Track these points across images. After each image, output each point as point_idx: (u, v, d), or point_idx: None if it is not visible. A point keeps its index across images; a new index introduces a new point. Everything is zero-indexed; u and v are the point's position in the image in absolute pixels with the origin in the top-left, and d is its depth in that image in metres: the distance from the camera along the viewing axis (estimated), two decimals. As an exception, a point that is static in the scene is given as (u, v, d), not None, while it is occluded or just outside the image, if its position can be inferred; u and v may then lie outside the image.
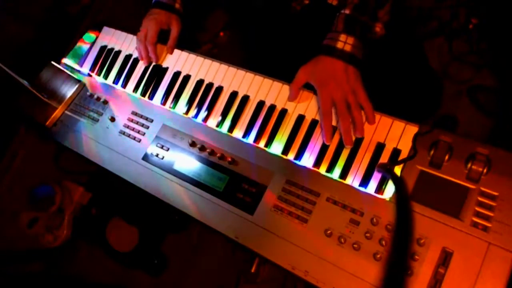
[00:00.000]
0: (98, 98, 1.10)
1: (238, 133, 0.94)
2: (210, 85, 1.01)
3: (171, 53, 1.08)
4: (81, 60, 1.21)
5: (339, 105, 0.82)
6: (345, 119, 0.82)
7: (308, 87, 0.92)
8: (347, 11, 0.87)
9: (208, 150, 0.92)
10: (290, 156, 0.87)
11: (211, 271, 1.33)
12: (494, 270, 0.65)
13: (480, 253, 0.66)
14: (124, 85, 1.12)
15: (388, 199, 0.76)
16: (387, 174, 0.74)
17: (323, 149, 0.85)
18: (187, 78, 1.04)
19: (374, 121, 0.83)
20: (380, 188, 0.77)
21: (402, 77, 1.05)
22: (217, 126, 0.96)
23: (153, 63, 1.10)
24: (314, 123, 0.88)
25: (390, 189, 0.77)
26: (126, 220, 1.32)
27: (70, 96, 1.14)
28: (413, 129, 0.80)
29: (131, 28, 1.20)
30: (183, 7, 1.14)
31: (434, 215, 0.72)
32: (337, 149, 0.84)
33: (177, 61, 1.08)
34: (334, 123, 0.86)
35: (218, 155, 0.91)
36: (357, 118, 0.82)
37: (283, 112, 0.91)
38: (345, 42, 0.85)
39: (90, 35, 1.24)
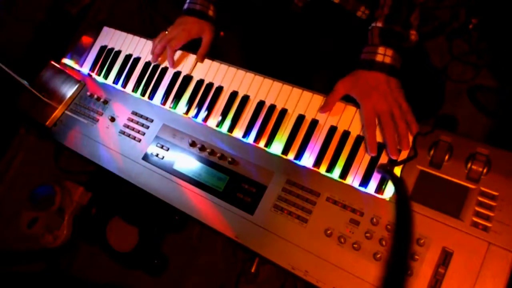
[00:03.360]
0: (98, 98, 1.10)
1: (238, 133, 0.94)
2: (210, 85, 1.01)
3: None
4: (81, 60, 1.21)
5: (384, 116, 0.80)
6: (390, 130, 0.79)
7: (309, 86, 0.93)
8: (379, 24, 0.86)
9: (208, 150, 0.92)
10: (290, 156, 0.87)
11: (211, 271, 1.33)
12: (494, 270, 0.65)
13: (480, 253, 0.66)
14: (124, 85, 1.12)
15: (388, 199, 0.76)
16: (387, 175, 0.74)
17: (323, 149, 0.85)
18: (187, 78, 1.04)
19: (415, 133, 0.79)
20: (380, 188, 0.77)
21: (404, 76, 1.06)
22: (217, 126, 0.96)
23: (153, 63, 1.10)
24: (314, 123, 0.88)
25: (390, 189, 0.77)
26: (126, 220, 1.32)
27: (70, 96, 1.14)
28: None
29: (131, 28, 1.20)
30: (216, 12, 1.10)
31: (434, 215, 0.72)
32: (337, 149, 0.84)
33: (177, 61, 1.08)
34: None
35: (218, 155, 0.91)
36: (403, 131, 0.79)
37: (283, 112, 0.91)
38: (384, 55, 0.83)
39: (84, 42, 1.23)
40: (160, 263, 1.33)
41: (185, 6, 1.09)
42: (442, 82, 1.30)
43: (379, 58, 0.84)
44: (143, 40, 1.15)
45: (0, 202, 1.22)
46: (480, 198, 0.70)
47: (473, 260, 0.66)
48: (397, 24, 0.85)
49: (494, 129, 1.21)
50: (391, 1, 0.87)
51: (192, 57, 1.06)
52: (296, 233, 0.78)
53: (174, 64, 1.06)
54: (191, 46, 1.06)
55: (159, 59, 1.08)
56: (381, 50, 0.84)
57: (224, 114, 0.96)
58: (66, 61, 1.23)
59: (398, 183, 0.69)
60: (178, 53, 1.08)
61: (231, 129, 0.94)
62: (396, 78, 0.83)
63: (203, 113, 0.99)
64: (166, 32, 1.07)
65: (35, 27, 1.28)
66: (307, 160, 0.85)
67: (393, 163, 0.78)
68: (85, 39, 1.24)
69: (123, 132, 1.03)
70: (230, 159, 0.89)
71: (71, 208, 1.32)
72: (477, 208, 0.70)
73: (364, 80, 0.84)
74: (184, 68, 1.06)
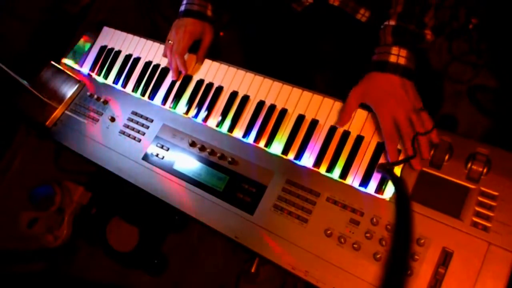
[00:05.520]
0: (98, 98, 1.10)
1: (238, 133, 0.94)
2: (210, 85, 1.01)
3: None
4: (81, 60, 1.21)
5: (403, 125, 0.75)
6: (410, 141, 0.75)
7: (309, 86, 0.93)
8: (392, 22, 0.81)
9: (208, 150, 0.92)
10: (290, 156, 0.87)
11: (211, 271, 1.33)
12: (494, 270, 0.65)
13: (480, 253, 0.66)
14: (124, 85, 1.12)
15: (388, 199, 0.76)
16: (387, 174, 0.74)
17: (323, 149, 0.85)
18: (187, 78, 1.04)
19: (437, 140, 0.76)
20: (380, 188, 0.77)
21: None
22: (217, 126, 0.96)
23: (153, 64, 1.10)
24: (314, 123, 0.88)
25: (390, 189, 0.77)
26: (126, 220, 1.32)
27: (70, 96, 1.14)
28: (413, 129, 0.80)
29: (131, 28, 1.20)
30: (214, 12, 1.08)
31: (434, 215, 0.72)
32: (337, 149, 0.84)
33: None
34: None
35: (218, 155, 0.91)
36: (423, 139, 0.75)
37: (283, 112, 0.91)
38: (398, 55, 0.78)
39: (84, 42, 1.23)
40: (160, 263, 1.33)
41: (182, 7, 1.06)
42: (440, 82, 1.30)
43: (392, 58, 0.78)
44: (143, 40, 1.15)
45: (0, 202, 1.22)
46: (480, 198, 0.70)
47: (473, 260, 0.66)
48: (411, 23, 0.80)
49: (494, 129, 1.21)
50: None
51: (192, 57, 1.06)
52: (296, 233, 0.78)
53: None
54: (191, 47, 1.06)
55: (182, 71, 1.04)
56: (394, 50, 0.78)
57: (224, 114, 0.96)
58: (66, 61, 1.23)
59: (398, 182, 0.69)
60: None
61: (231, 129, 0.94)
62: (411, 79, 0.78)
63: (203, 113, 0.99)
64: (170, 42, 1.04)
65: (35, 27, 1.27)
66: (307, 160, 0.85)
67: (392, 162, 0.78)
68: (85, 39, 1.24)
69: (123, 132, 1.03)
70: (230, 159, 0.89)
71: (71, 208, 1.32)
72: (477, 208, 0.70)
73: (377, 84, 0.79)
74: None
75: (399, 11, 0.81)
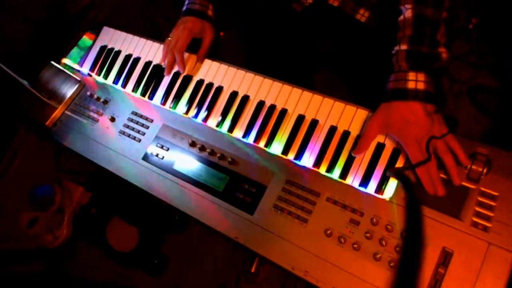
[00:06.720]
0: (98, 98, 1.10)
1: (238, 133, 0.94)
2: (210, 85, 1.01)
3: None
4: (81, 60, 1.21)
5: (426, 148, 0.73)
6: (434, 165, 0.73)
7: (309, 86, 0.92)
8: (403, 47, 0.78)
9: (208, 150, 0.92)
10: (290, 156, 0.87)
11: (211, 271, 1.33)
12: (494, 270, 0.65)
13: (480, 253, 0.66)
14: (124, 85, 1.12)
15: (388, 199, 0.76)
16: (399, 179, 0.71)
17: (323, 149, 0.85)
18: (187, 78, 1.04)
19: (467, 164, 0.72)
20: (380, 188, 0.77)
21: None
22: (217, 126, 0.96)
23: (153, 64, 1.10)
24: (314, 123, 0.88)
25: (390, 189, 0.77)
26: (126, 220, 1.32)
27: (70, 96, 1.14)
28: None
29: (131, 28, 1.20)
30: (215, 13, 1.09)
31: (434, 215, 0.72)
32: (337, 149, 0.84)
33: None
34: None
35: (218, 155, 0.91)
36: (450, 163, 0.72)
37: (283, 112, 0.91)
38: (416, 81, 0.75)
39: (86, 40, 1.23)
40: (160, 263, 1.33)
41: (184, 7, 1.08)
42: (440, 83, 1.30)
43: (411, 85, 0.74)
44: (143, 40, 1.15)
45: (0, 202, 1.22)
46: (480, 198, 0.70)
47: (473, 260, 0.66)
48: (424, 44, 0.76)
49: (494, 129, 1.21)
50: (412, 20, 0.78)
51: (192, 58, 1.06)
52: (296, 233, 0.78)
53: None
54: (191, 46, 1.06)
55: (180, 68, 1.05)
56: (411, 75, 0.75)
57: (224, 114, 0.96)
58: (66, 61, 1.23)
59: (410, 188, 0.66)
60: (178, 53, 1.08)
61: (231, 129, 0.94)
62: (433, 103, 0.75)
63: (203, 113, 0.99)
64: (170, 39, 1.05)
65: (35, 27, 1.27)
66: (307, 160, 0.85)
67: (404, 166, 0.76)
68: (85, 39, 1.24)
69: (123, 132, 1.03)
70: (230, 159, 0.89)
71: (71, 208, 1.32)
72: (477, 208, 0.70)
73: (398, 114, 0.75)
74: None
75: (409, 33, 0.78)
